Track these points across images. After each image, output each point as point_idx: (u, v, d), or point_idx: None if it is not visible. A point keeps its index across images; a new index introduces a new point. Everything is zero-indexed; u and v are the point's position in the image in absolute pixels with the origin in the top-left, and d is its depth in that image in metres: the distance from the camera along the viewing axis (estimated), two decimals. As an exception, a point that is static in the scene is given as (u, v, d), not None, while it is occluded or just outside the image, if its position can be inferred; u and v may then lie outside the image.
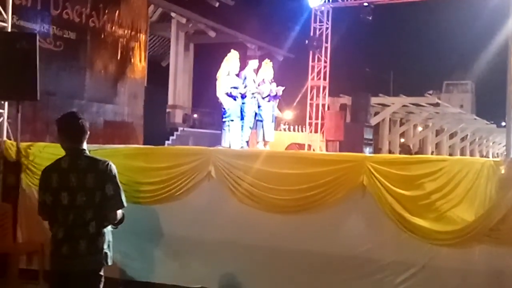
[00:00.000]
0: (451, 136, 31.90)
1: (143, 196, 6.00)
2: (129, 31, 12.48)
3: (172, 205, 6.05)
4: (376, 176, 5.22)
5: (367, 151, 15.72)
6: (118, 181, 3.79)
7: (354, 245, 5.32)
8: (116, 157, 5.36)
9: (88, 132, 3.86)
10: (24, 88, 6.92)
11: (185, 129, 16.43)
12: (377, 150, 19.23)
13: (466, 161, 5.16)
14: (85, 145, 3.85)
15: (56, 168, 3.80)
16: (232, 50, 9.08)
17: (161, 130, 13.70)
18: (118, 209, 3.78)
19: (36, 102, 7.15)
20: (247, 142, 9.38)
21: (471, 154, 32.43)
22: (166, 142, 14.23)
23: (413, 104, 24.04)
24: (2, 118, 7.49)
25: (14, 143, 7.07)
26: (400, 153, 22.63)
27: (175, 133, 15.49)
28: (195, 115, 19.44)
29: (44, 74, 7.05)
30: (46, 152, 6.69)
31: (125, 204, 3.80)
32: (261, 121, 9.69)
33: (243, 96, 9.08)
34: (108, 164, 3.79)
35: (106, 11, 11.78)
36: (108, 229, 3.82)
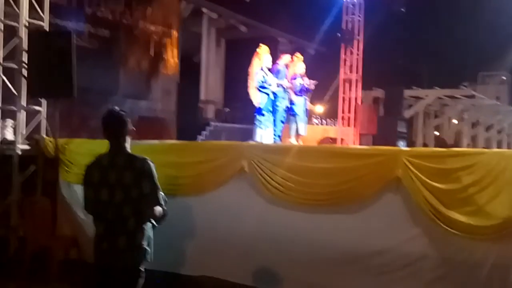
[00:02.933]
0: (488, 128, 31.19)
1: (177, 188, 6.09)
2: (161, 28, 12.61)
3: (205, 198, 6.14)
4: (412, 170, 5.16)
5: (401, 144, 15.53)
6: (156, 179, 3.82)
7: (388, 238, 5.28)
8: (150, 152, 5.41)
9: (129, 127, 3.89)
10: (61, 85, 7.07)
11: (218, 124, 16.49)
12: (411, 143, 18.96)
13: (505, 154, 5.05)
14: (127, 141, 3.89)
15: (98, 164, 3.87)
16: (261, 45, 9.10)
17: (194, 125, 13.81)
18: (155, 206, 3.81)
19: (72, 99, 7.29)
20: (280, 136, 9.40)
21: (509, 147, 31.66)
22: (199, 137, 14.33)
23: (447, 96, 23.59)
24: (40, 115, 7.67)
25: (53, 140, 7.24)
26: (435, 147, 22.29)
27: (207, 128, 15.57)
28: (227, 110, 19.50)
29: (79, 71, 7.19)
30: (83, 148, 6.84)
31: (161, 201, 3.83)
32: (294, 115, 9.70)
33: (274, 93, 9.10)
34: (146, 161, 3.82)
35: (139, 8, 11.93)
36: (149, 226, 3.87)
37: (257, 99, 8.96)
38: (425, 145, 22.96)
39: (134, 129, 3.92)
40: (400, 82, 20.64)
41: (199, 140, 13.20)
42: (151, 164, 3.83)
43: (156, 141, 6.97)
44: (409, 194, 5.16)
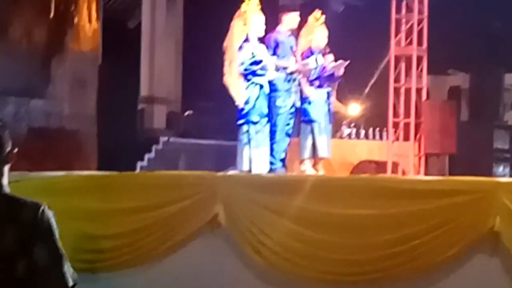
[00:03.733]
0: None
1: (99, 258, 6.11)
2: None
3: (151, 274, 6.20)
4: (518, 217, 5.24)
5: (501, 171, 15.58)
6: (58, 239, 3.82)
7: None
8: (51, 193, 5.46)
9: (8, 149, 3.88)
10: None
11: (172, 139, 16.52)
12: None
13: None
14: (4, 175, 3.89)
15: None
16: (248, -3, 9.19)
17: (130, 143, 13.82)
18: (56, 290, 3.80)
19: None
20: (283, 160, 9.45)
21: None
22: (139, 163, 14.34)
23: None
24: None
25: None
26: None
27: (154, 147, 15.59)
28: (189, 113, 19.53)
29: None
30: None
31: (70, 281, 3.81)
32: (308, 122, 9.76)
33: (272, 83, 9.16)
34: (40, 209, 3.81)
35: None
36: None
37: (242, 94, 9.01)
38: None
39: (11, 148, 3.91)
40: (498, 59, 20.75)
41: (139, 171, 13.19)
42: (50, 214, 3.83)
43: (60, 174, 6.99)
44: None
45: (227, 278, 6.02)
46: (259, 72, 9.04)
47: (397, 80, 16.89)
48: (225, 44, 9.09)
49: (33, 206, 3.84)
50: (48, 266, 3.79)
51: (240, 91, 9.00)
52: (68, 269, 3.87)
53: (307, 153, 9.77)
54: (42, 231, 3.80)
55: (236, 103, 9.04)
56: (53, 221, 3.85)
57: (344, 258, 5.63)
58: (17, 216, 3.82)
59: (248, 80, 9.02)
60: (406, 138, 16.57)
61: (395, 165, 16.26)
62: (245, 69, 8.99)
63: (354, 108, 19.13)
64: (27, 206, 3.84)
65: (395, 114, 16.72)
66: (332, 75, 9.91)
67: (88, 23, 13.04)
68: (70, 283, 3.86)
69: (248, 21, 9.06)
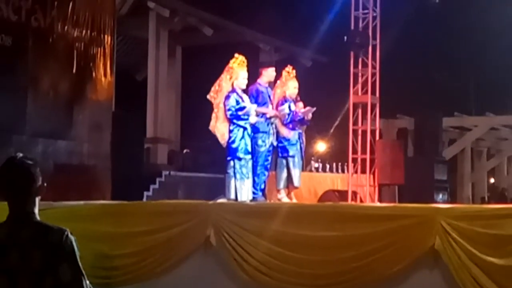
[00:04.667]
0: None
1: (111, 274, 6.08)
2: (89, 32, 12.68)
3: (154, 286, 6.10)
4: (454, 238, 5.25)
5: (441, 198, 15.63)
6: (79, 260, 3.81)
7: None
8: (72, 219, 5.46)
9: (39, 183, 3.88)
10: None
11: (172, 173, 16.47)
12: (454, 197, 19.09)
13: None
14: (35, 205, 3.88)
15: (-9, 240, 3.83)
16: (236, 56, 9.25)
17: (138, 176, 13.76)
18: (79, 303, 3.78)
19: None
20: (263, 190, 9.45)
21: None
22: (145, 193, 14.28)
23: (506, 126, 23.89)
24: None
25: None
26: (489, 201, 22.46)
27: (157, 179, 15.54)
28: (186, 152, 19.52)
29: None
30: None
31: None
32: (284, 157, 9.78)
33: (255, 126, 9.20)
34: (64, 234, 3.81)
35: (56, 3, 11.99)
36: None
37: (225, 135, 9.04)
38: (475, 199, 23.12)
39: (40, 183, 3.91)
40: (437, 106, 20.89)
41: (145, 199, 13.16)
42: (72, 239, 3.81)
43: (80, 203, 6.98)
44: (451, 273, 5.23)
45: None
46: (243, 117, 9.09)
47: (355, 123, 16.99)
48: (211, 94, 9.17)
49: (58, 232, 3.83)
50: (71, 283, 3.77)
51: (224, 133, 9.06)
52: (87, 286, 3.86)
53: (282, 183, 9.79)
54: (66, 253, 3.79)
55: (220, 142, 9.10)
56: (74, 245, 3.84)
57: (313, 272, 5.64)
58: (44, 240, 3.80)
59: (234, 124, 9.07)
60: (363, 171, 16.64)
61: (354, 194, 16.33)
62: (231, 114, 9.04)
63: (321, 146, 19.24)
64: (54, 231, 3.83)
65: (354, 151, 16.80)
66: (302, 119, 9.97)
67: (104, 76, 13.05)
68: (89, 297, 3.85)
69: (234, 75, 9.14)
